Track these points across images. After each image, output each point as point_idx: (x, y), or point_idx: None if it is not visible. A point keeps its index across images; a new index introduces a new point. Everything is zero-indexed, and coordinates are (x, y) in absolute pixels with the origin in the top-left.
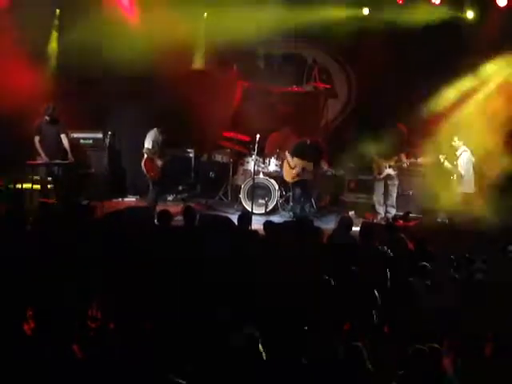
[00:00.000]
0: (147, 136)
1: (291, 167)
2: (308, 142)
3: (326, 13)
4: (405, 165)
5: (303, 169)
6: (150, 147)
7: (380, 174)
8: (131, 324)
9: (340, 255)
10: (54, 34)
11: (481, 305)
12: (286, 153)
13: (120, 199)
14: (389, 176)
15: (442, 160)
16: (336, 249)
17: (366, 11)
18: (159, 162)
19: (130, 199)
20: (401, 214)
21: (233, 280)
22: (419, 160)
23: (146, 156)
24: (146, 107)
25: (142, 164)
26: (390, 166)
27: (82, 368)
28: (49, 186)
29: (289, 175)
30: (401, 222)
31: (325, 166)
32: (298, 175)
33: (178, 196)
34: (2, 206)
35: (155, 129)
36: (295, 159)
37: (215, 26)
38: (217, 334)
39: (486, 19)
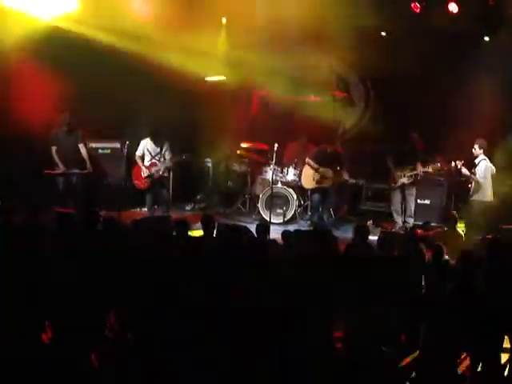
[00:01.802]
0: (140, 143)
1: (312, 173)
2: (328, 150)
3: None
4: (420, 174)
5: (323, 176)
6: (140, 154)
7: (395, 183)
8: (148, 333)
9: (357, 264)
10: None
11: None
12: (307, 159)
13: (138, 209)
14: (404, 185)
15: (459, 166)
16: (352, 258)
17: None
18: (144, 172)
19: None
20: (419, 223)
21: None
22: (436, 169)
23: (136, 163)
24: (164, 117)
25: (132, 171)
26: (404, 176)
27: (99, 377)
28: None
29: (308, 182)
30: (419, 231)
31: (346, 176)
32: (317, 182)
33: (196, 206)
34: (17, 218)
35: (148, 138)
36: (315, 166)
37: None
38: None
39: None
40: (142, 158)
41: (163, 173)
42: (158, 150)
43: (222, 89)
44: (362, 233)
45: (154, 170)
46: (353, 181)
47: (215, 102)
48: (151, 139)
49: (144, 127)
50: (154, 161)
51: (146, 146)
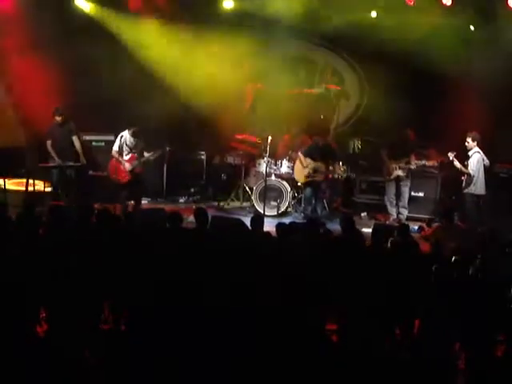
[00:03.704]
0: (117, 138)
1: (303, 167)
2: (320, 143)
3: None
4: (414, 166)
5: (315, 170)
6: (117, 149)
7: (390, 175)
8: (143, 326)
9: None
10: None
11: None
12: (299, 153)
13: (132, 202)
14: (399, 177)
15: (450, 158)
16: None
17: (373, 14)
18: (127, 165)
19: (142, 201)
20: (413, 215)
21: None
22: (429, 162)
23: (113, 158)
24: (158, 109)
25: (108, 166)
26: (399, 168)
27: (94, 370)
28: None
29: (300, 176)
30: (426, 228)
31: (338, 169)
32: (309, 176)
33: (190, 198)
34: (13, 210)
35: (126, 131)
36: (308, 160)
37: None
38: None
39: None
40: (120, 152)
41: (142, 167)
42: (135, 143)
43: (217, 82)
44: (346, 223)
45: (135, 163)
46: (344, 174)
47: (210, 94)
48: (129, 133)
49: (125, 121)
50: (132, 154)
51: (124, 140)
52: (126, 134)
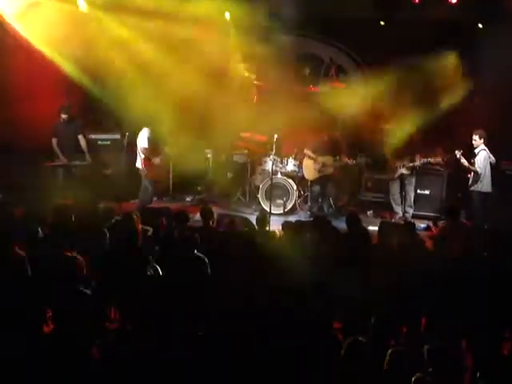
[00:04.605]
0: (141, 136)
1: (312, 164)
2: (326, 138)
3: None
4: (418, 164)
5: (324, 164)
6: (146, 146)
7: (394, 173)
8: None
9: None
10: None
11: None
12: (305, 150)
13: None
14: (403, 175)
15: (458, 156)
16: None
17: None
18: (157, 161)
19: None
20: (419, 213)
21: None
22: (434, 159)
23: (143, 156)
24: (164, 107)
25: (141, 164)
26: (403, 166)
27: (101, 369)
28: None
29: (310, 173)
30: (433, 228)
31: (345, 159)
32: (319, 171)
33: (196, 197)
34: (19, 210)
35: (146, 128)
36: (315, 156)
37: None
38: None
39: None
40: (149, 149)
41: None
42: (153, 138)
43: (222, 79)
44: (352, 222)
45: (161, 158)
46: (353, 162)
47: (215, 92)
48: (149, 130)
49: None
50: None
51: (149, 136)
52: (148, 131)
